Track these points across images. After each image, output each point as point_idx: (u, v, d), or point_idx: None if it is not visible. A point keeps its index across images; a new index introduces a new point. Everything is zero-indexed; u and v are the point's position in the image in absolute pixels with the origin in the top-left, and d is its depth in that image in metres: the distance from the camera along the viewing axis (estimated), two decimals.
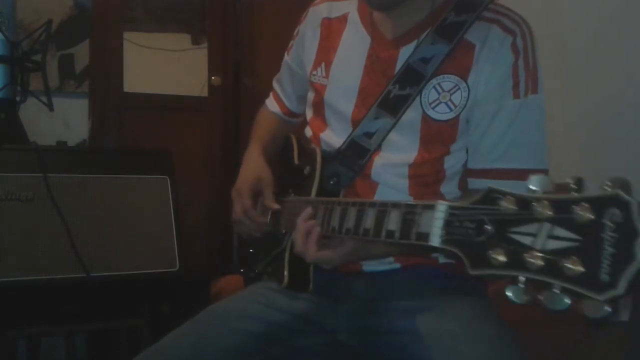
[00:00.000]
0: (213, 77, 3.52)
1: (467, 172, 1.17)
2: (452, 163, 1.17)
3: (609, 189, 0.63)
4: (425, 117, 1.14)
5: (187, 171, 2.77)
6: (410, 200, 1.16)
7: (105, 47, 3.25)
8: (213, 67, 3.54)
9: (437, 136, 1.15)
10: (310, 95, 1.32)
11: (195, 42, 3.67)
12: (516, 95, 1.11)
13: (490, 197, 0.72)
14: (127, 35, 3.35)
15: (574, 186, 0.65)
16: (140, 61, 3.39)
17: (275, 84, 1.52)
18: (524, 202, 0.68)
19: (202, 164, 3.37)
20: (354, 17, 1.27)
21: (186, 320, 1.22)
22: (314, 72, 1.29)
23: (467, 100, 1.12)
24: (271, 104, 1.52)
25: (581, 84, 1.97)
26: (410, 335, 1.10)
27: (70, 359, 2.42)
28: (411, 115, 1.14)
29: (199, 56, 3.57)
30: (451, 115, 1.13)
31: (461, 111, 1.12)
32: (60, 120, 3.02)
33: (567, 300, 0.63)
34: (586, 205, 0.63)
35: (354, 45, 1.24)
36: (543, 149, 1.14)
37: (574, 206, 0.64)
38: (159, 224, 2.15)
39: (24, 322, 1.97)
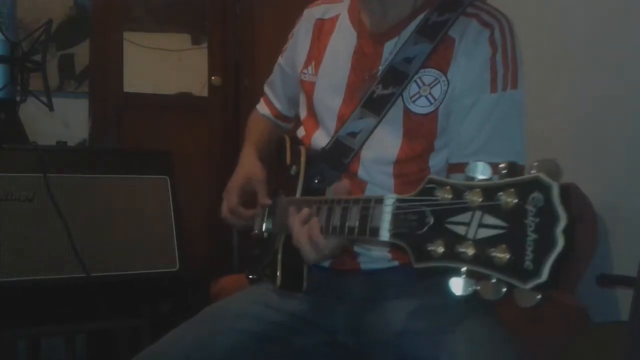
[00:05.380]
0: (213, 77, 3.52)
1: (447, 167, 1.17)
2: (437, 161, 1.17)
3: (534, 172, 0.61)
4: (407, 111, 1.14)
5: (187, 171, 2.77)
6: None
7: (105, 47, 3.25)
8: (213, 67, 3.54)
9: (418, 130, 1.15)
10: (302, 95, 1.33)
11: (195, 42, 3.68)
12: (493, 90, 1.11)
13: (429, 187, 0.72)
14: (127, 35, 3.35)
15: (505, 172, 0.64)
16: (140, 61, 3.40)
17: (266, 88, 1.54)
18: (458, 191, 0.68)
19: (202, 164, 3.37)
20: (344, 16, 1.29)
21: (186, 320, 1.22)
22: (305, 71, 1.30)
23: (445, 94, 1.12)
24: (261, 107, 1.54)
25: (580, 83, 1.97)
26: (407, 335, 1.10)
27: (70, 359, 2.42)
28: (394, 109, 1.15)
29: (199, 56, 3.58)
30: (430, 109, 1.13)
31: (440, 105, 1.13)
32: (60, 120, 3.02)
33: (503, 290, 0.62)
34: (511, 190, 0.62)
35: (342, 43, 1.25)
36: (521, 143, 1.13)
37: (499, 192, 0.63)
38: (159, 224, 2.15)
39: (24, 322, 1.97)
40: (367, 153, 1.18)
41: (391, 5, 1.18)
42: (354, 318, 1.19)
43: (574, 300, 1.71)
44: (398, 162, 1.16)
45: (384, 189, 1.18)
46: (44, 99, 2.40)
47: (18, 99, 2.29)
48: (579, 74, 1.97)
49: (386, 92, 1.15)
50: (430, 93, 1.13)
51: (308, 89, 1.29)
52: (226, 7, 3.56)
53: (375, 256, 1.19)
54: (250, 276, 1.34)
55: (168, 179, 2.21)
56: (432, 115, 1.14)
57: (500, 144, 1.11)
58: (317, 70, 1.27)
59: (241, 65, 3.55)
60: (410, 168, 1.17)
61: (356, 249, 1.20)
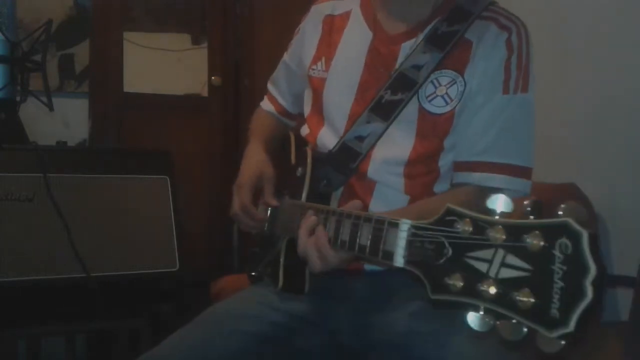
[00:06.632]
0: (213, 77, 3.52)
1: (453, 166, 1.17)
2: (446, 161, 1.18)
3: (561, 216, 0.60)
4: (422, 110, 1.15)
5: (187, 171, 2.77)
6: (406, 198, 1.17)
7: (105, 47, 3.25)
8: (213, 67, 3.54)
9: (433, 130, 1.16)
10: (308, 91, 1.32)
11: (195, 42, 3.67)
12: (506, 91, 1.12)
13: (449, 217, 0.70)
14: (127, 35, 3.35)
15: (529, 209, 0.63)
16: (140, 61, 3.39)
17: (269, 85, 1.53)
18: (479, 226, 0.66)
19: (202, 164, 3.37)
20: (356, 13, 1.28)
21: (186, 321, 1.22)
22: (314, 67, 1.29)
23: (462, 94, 1.13)
24: (265, 104, 1.54)
25: (580, 83, 1.97)
26: (413, 336, 1.10)
27: (70, 359, 2.42)
28: (408, 109, 1.15)
29: (199, 56, 3.58)
30: (447, 109, 1.14)
31: (457, 105, 1.13)
32: (60, 120, 3.02)
33: (524, 331, 0.61)
34: (537, 232, 0.60)
35: (356, 40, 1.25)
36: (529, 146, 1.14)
37: (524, 234, 0.61)
38: (159, 224, 2.15)
39: (24, 322, 1.97)
40: (379, 153, 1.18)
41: (413, 7, 1.19)
42: (358, 319, 1.18)
43: None
44: (409, 163, 1.16)
45: (393, 189, 1.18)
46: (44, 99, 2.40)
47: (18, 99, 2.29)
48: (579, 74, 1.97)
49: (395, 97, 1.15)
50: (446, 93, 1.14)
51: (317, 85, 1.27)
52: (226, 7, 3.56)
53: None
54: (252, 274, 1.33)
55: (168, 179, 2.21)
56: (449, 115, 1.14)
57: (508, 145, 1.12)
58: (327, 66, 1.26)
59: (241, 65, 3.55)
60: (419, 169, 1.17)
61: None
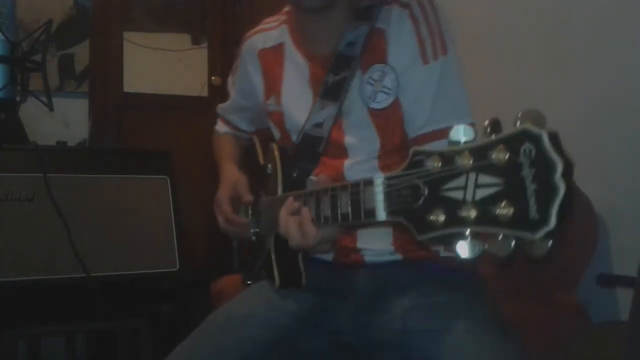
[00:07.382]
0: (213, 77, 3.52)
1: (409, 145, 1.20)
2: None
3: (519, 124, 0.61)
4: (371, 110, 1.19)
5: (187, 171, 2.77)
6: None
7: (105, 47, 3.25)
8: (213, 67, 3.55)
9: (389, 122, 1.19)
10: (271, 122, 1.36)
11: (195, 42, 3.68)
12: (425, 61, 1.15)
13: (417, 159, 0.72)
14: (127, 35, 3.35)
15: (489, 130, 0.65)
16: (140, 61, 3.40)
17: (220, 112, 1.61)
18: (447, 157, 0.68)
19: (202, 164, 3.37)
20: (289, 45, 1.31)
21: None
22: (268, 102, 1.33)
23: (397, 81, 1.17)
24: (220, 127, 1.63)
25: (580, 83, 1.97)
26: (412, 334, 1.10)
27: (70, 359, 2.42)
28: (359, 113, 1.19)
29: (199, 56, 3.58)
30: (391, 100, 1.17)
31: (397, 93, 1.17)
32: (60, 120, 3.03)
33: (512, 244, 0.62)
34: (500, 146, 0.62)
35: (296, 74, 1.28)
36: (465, 104, 1.17)
37: (489, 151, 0.63)
38: (158, 224, 2.16)
39: (24, 322, 1.97)
40: (351, 159, 1.21)
41: (333, 25, 1.22)
42: (359, 317, 1.18)
43: (574, 300, 1.71)
44: (381, 156, 1.20)
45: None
46: (44, 99, 2.40)
47: (18, 99, 2.30)
48: (579, 75, 1.97)
49: (339, 77, 1.20)
50: (383, 86, 1.18)
51: (277, 118, 1.32)
52: (226, 6, 3.56)
53: (379, 250, 1.20)
54: (248, 282, 1.34)
55: (168, 179, 2.21)
56: (395, 105, 1.17)
57: (443, 111, 1.14)
58: (279, 101, 1.30)
59: None
60: (393, 158, 1.19)
61: (359, 244, 1.20)
